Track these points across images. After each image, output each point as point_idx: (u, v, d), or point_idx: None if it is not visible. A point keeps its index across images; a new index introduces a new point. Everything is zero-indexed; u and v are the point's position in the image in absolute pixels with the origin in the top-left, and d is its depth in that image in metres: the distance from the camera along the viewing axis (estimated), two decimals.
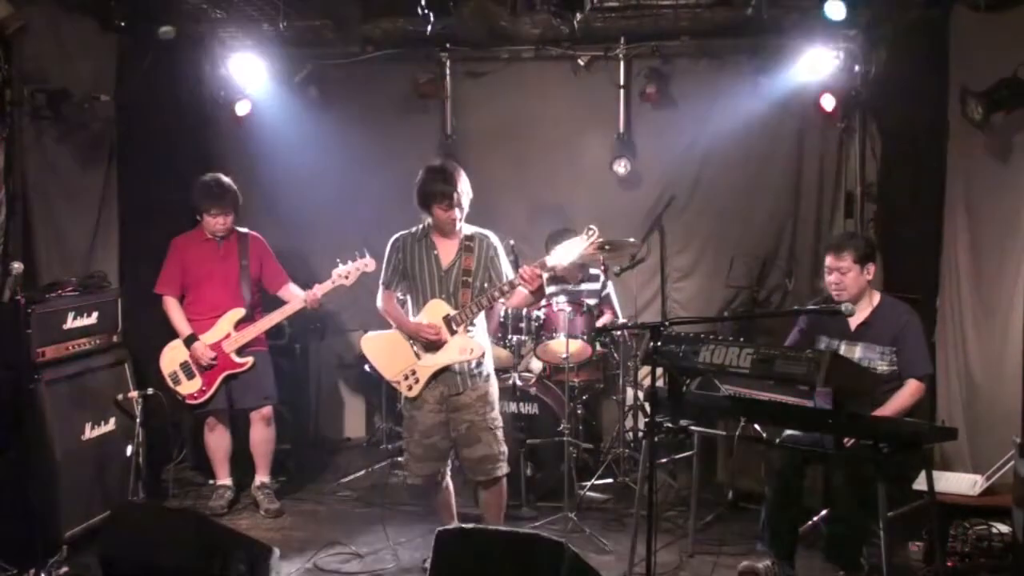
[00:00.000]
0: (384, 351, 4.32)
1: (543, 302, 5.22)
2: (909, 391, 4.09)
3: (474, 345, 4.16)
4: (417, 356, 4.21)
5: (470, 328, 4.21)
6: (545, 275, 4.09)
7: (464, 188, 4.16)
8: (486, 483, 4.29)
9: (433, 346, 4.17)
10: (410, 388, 4.22)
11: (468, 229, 4.27)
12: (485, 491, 4.33)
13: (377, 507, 5.32)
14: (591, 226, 4.00)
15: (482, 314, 4.28)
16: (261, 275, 5.25)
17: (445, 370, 4.19)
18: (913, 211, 5.57)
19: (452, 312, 4.15)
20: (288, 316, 5.17)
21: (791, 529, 4.13)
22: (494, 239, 4.31)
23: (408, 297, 4.34)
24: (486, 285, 4.21)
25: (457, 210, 4.14)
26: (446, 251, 4.23)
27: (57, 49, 5.14)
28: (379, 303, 4.36)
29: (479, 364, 4.25)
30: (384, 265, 4.35)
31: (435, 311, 4.18)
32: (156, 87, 5.87)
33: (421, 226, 4.30)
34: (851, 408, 3.56)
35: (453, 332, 4.15)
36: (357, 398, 7.06)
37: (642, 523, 3.76)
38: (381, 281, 4.37)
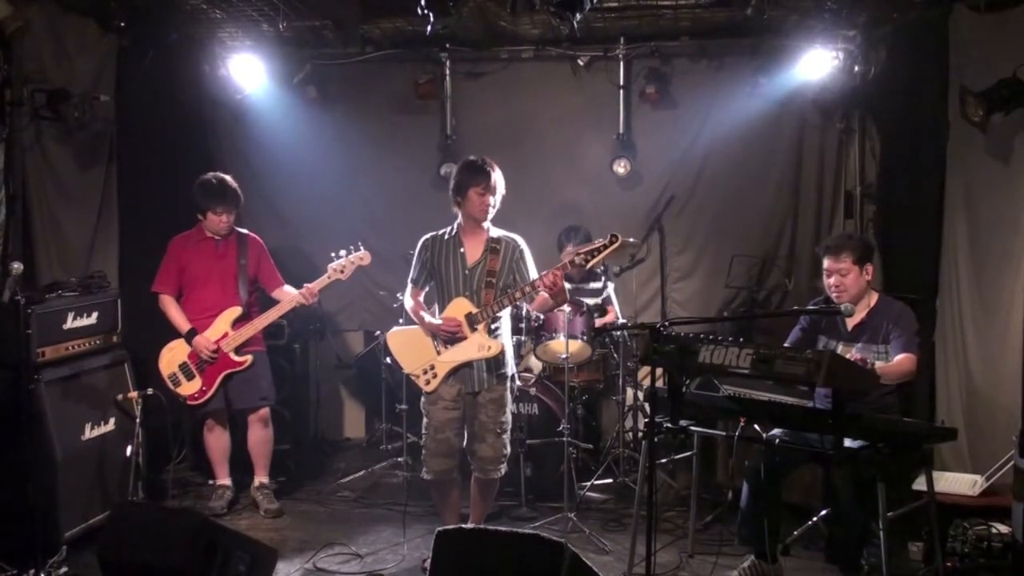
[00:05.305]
0: (407, 346, 4.40)
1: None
2: (903, 357, 4.08)
3: (492, 343, 4.25)
4: (438, 352, 4.30)
5: (493, 327, 4.30)
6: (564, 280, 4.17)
7: (498, 179, 4.28)
8: (481, 480, 4.41)
9: (454, 342, 4.25)
10: (427, 383, 4.31)
11: (496, 232, 4.38)
12: (477, 486, 4.47)
13: (377, 507, 5.34)
14: (614, 233, 4.10)
15: (507, 316, 4.40)
16: (258, 275, 5.25)
17: (464, 367, 4.27)
18: (913, 211, 5.56)
19: (474, 310, 4.23)
20: (284, 313, 5.16)
21: (770, 528, 4.08)
22: (521, 243, 4.40)
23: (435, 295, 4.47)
24: (509, 287, 4.29)
25: (491, 197, 4.24)
26: (472, 251, 4.32)
27: (57, 49, 5.15)
28: (406, 301, 4.49)
29: (500, 365, 4.32)
30: (413, 263, 4.46)
31: (458, 308, 4.27)
32: (156, 87, 5.89)
33: (451, 227, 4.40)
34: (851, 408, 3.56)
35: (474, 330, 4.23)
36: (357, 398, 7.07)
37: (642, 523, 3.76)
38: (410, 279, 4.48)
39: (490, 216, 4.31)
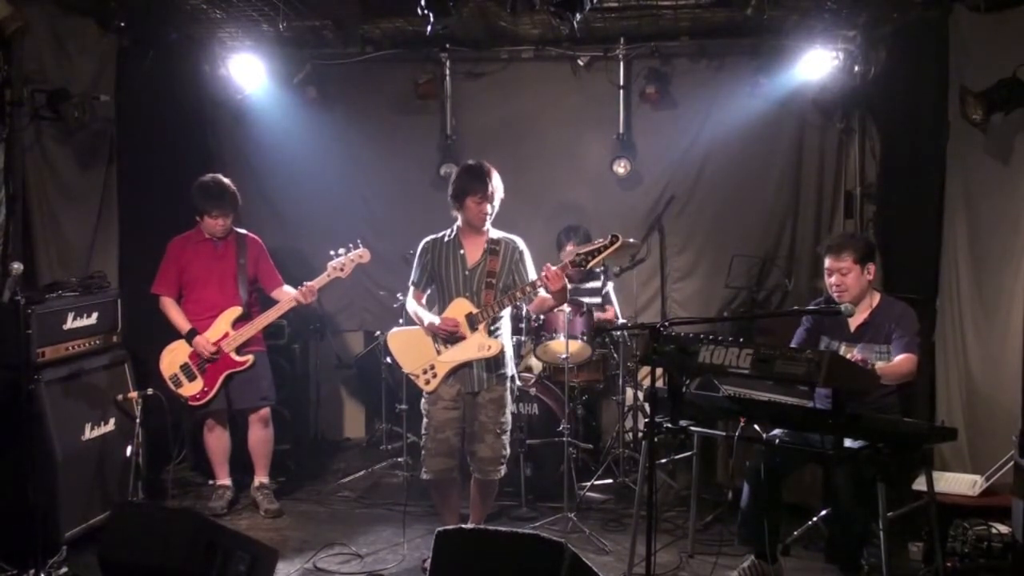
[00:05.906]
0: (407, 346, 4.41)
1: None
2: (903, 358, 4.08)
3: (492, 343, 4.26)
4: (437, 352, 4.30)
5: (493, 328, 4.31)
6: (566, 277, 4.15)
7: (496, 186, 4.29)
8: (481, 481, 4.42)
9: (454, 342, 4.25)
10: (427, 383, 4.32)
11: (495, 233, 4.40)
12: (476, 487, 4.47)
13: (377, 507, 5.34)
14: (614, 234, 4.08)
15: (507, 316, 4.40)
16: (257, 275, 5.25)
17: (464, 367, 4.28)
18: (913, 211, 5.56)
19: (474, 310, 4.24)
20: (284, 312, 5.15)
21: (770, 528, 4.07)
22: (520, 244, 4.41)
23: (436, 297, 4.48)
24: (509, 287, 4.30)
25: (489, 204, 4.26)
26: (472, 252, 4.34)
27: (57, 49, 5.15)
28: (407, 303, 4.51)
29: (500, 365, 4.33)
30: (414, 266, 4.48)
31: (458, 309, 4.28)
32: (156, 87, 5.88)
33: (450, 229, 4.42)
34: (851, 408, 3.56)
35: (474, 330, 4.23)
36: (357, 398, 7.07)
37: (642, 523, 3.76)
38: (411, 281, 4.50)
39: (488, 222, 4.33)
